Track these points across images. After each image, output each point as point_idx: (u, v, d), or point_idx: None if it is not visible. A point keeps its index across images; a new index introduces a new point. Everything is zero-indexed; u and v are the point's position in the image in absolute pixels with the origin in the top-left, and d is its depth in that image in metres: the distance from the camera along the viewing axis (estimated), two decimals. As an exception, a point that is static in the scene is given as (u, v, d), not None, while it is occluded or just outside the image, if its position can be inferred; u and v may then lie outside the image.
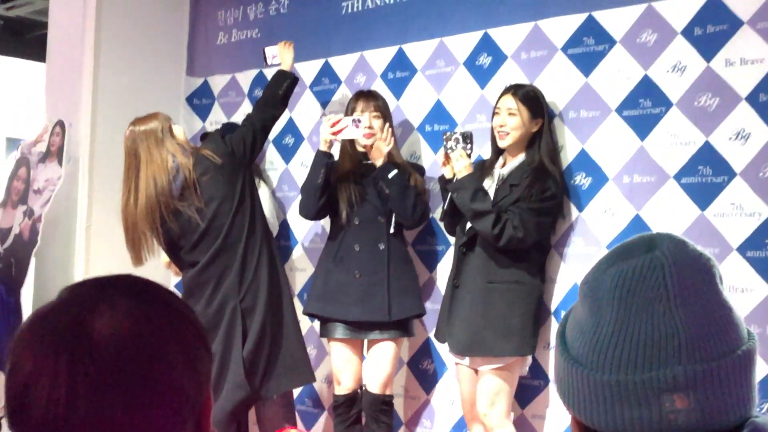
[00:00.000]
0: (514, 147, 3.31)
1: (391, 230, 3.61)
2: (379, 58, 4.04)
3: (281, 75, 3.91)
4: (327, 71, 4.26)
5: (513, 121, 3.26)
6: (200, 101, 4.85)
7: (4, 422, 0.98)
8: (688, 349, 0.96)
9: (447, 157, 3.35)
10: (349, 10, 4.18)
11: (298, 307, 3.90)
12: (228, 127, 4.21)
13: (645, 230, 3.10)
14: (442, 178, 3.44)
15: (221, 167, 3.58)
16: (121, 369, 0.93)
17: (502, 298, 3.20)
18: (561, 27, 3.43)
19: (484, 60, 3.67)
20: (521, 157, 3.32)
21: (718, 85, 3.00)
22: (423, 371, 3.85)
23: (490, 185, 3.33)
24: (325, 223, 4.02)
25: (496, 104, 3.34)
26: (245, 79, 4.62)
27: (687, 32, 3.09)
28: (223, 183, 3.58)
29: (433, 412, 3.81)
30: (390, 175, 3.52)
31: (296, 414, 3.82)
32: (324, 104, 4.27)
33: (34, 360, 0.93)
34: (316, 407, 4.21)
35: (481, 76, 3.67)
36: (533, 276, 3.25)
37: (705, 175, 3.03)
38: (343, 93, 4.13)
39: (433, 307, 3.66)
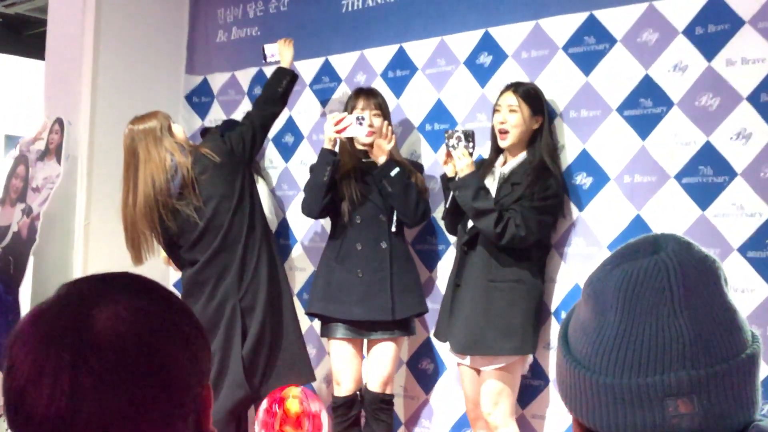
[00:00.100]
0: (514, 146, 3.31)
1: (393, 229, 3.61)
2: (380, 56, 4.04)
3: (281, 72, 3.90)
4: (327, 69, 4.25)
5: (514, 118, 3.26)
6: (200, 99, 4.84)
7: (3, 420, 0.97)
8: (692, 353, 0.95)
9: (448, 155, 3.34)
10: (350, 9, 4.17)
11: (298, 306, 3.89)
12: (227, 124, 4.20)
13: (646, 230, 3.11)
14: (443, 177, 3.43)
15: (220, 166, 3.57)
16: (125, 363, 0.93)
17: (503, 297, 3.19)
18: (562, 26, 3.42)
19: (485, 59, 3.66)
20: (522, 155, 3.31)
21: (720, 85, 3.00)
22: (422, 371, 3.84)
23: (490, 184, 3.32)
24: (325, 222, 4.01)
25: (497, 102, 3.33)
26: (245, 77, 4.61)
27: (688, 32, 3.09)
28: (222, 181, 3.57)
29: (433, 412, 3.81)
30: (392, 173, 3.52)
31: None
32: (324, 103, 4.26)
33: (35, 357, 0.93)
34: (315, 406, 4.20)
35: (482, 75, 3.66)
36: (534, 275, 3.25)
37: (706, 175, 3.03)
38: (343, 91, 4.12)
39: (433, 306, 3.65)
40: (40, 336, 0.94)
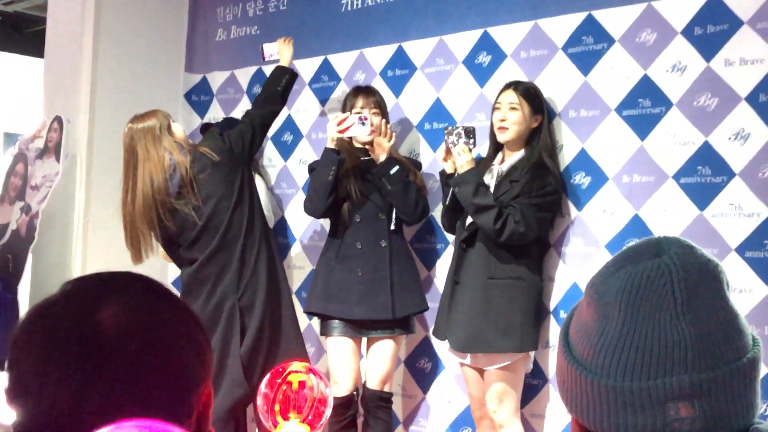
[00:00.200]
0: (513, 143, 3.31)
1: (392, 227, 3.61)
2: (379, 55, 4.04)
3: (280, 71, 3.91)
4: (326, 68, 4.26)
5: (514, 116, 3.27)
6: (199, 98, 4.85)
7: (6, 418, 0.97)
8: (694, 357, 0.95)
9: (448, 152, 3.34)
10: (349, 8, 4.17)
11: (297, 305, 3.90)
12: (226, 122, 4.20)
13: (644, 230, 3.12)
14: (442, 173, 3.43)
15: (219, 164, 3.57)
16: (131, 361, 0.93)
17: (502, 294, 3.20)
18: (560, 26, 3.42)
19: (484, 58, 3.67)
20: (520, 153, 3.32)
21: (718, 85, 3.00)
22: (420, 370, 3.85)
23: (489, 181, 3.33)
24: (324, 220, 4.01)
25: (497, 100, 3.34)
26: (244, 75, 4.62)
27: (687, 32, 3.09)
28: (221, 180, 3.58)
29: (431, 411, 3.81)
30: (392, 171, 3.52)
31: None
32: (323, 102, 4.27)
33: (39, 355, 0.93)
34: (314, 405, 4.20)
35: (481, 74, 3.67)
36: (533, 272, 3.25)
37: (704, 175, 3.03)
38: (343, 90, 4.12)
39: (432, 305, 3.66)
40: (45, 333, 0.94)
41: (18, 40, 7.80)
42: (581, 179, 3.33)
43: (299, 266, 4.30)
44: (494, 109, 3.34)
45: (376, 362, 3.60)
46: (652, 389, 0.95)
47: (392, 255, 3.59)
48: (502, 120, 3.28)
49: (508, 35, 3.58)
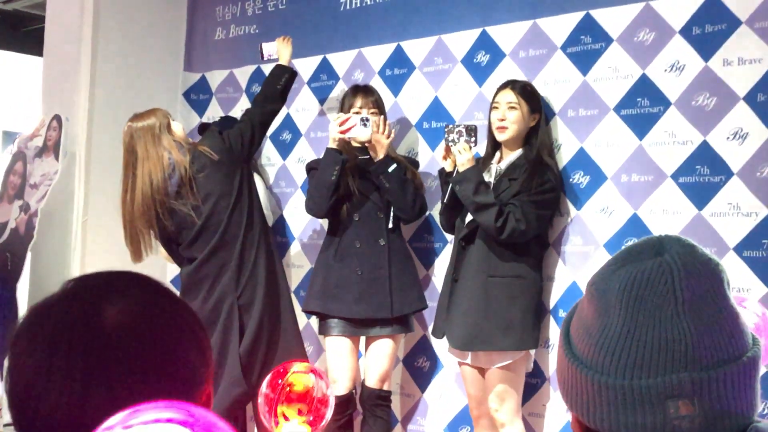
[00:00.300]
0: (511, 142, 3.31)
1: (390, 225, 3.61)
2: (378, 54, 4.04)
3: (280, 69, 3.90)
4: (325, 67, 4.26)
5: (513, 115, 3.27)
6: (197, 97, 4.84)
7: (5, 414, 0.97)
8: (694, 356, 0.96)
9: (447, 150, 3.34)
10: (348, 7, 4.17)
11: (295, 303, 3.90)
12: (224, 121, 4.20)
13: (642, 229, 3.12)
14: (442, 172, 3.43)
15: (218, 163, 3.58)
16: (136, 357, 0.93)
17: (502, 293, 3.20)
18: (559, 25, 3.42)
19: (482, 57, 3.67)
20: (518, 151, 3.32)
21: (716, 85, 3.01)
22: (418, 369, 3.85)
23: (487, 180, 3.33)
24: (322, 219, 4.01)
25: (494, 99, 3.34)
26: (243, 74, 4.62)
27: (685, 31, 3.09)
28: (221, 179, 3.58)
29: (429, 410, 3.81)
30: (390, 169, 3.53)
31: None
32: (322, 101, 4.27)
33: (43, 353, 0.93)
34: (312, 404, 4.21)
35: (479, 73, 3.67)
36: (533, 270, 3.25)
37: (702, 175, 3.04)
38: (341, 89, 4.12)
39: (430, 304, 3.66)
40: (49, 331, 0.94)
41: (17, 39, 7.80)
42: (580, 178, 3.34)
43: (298, 265, 4.30)
44: (492, 108, 3.34)
45: (375, 361, 3.61)
46: (653, 387, 0.96)
47: (391, 253, 3.60)
48: (501, 119, 3.28)
49: (506, 34, 3.59)
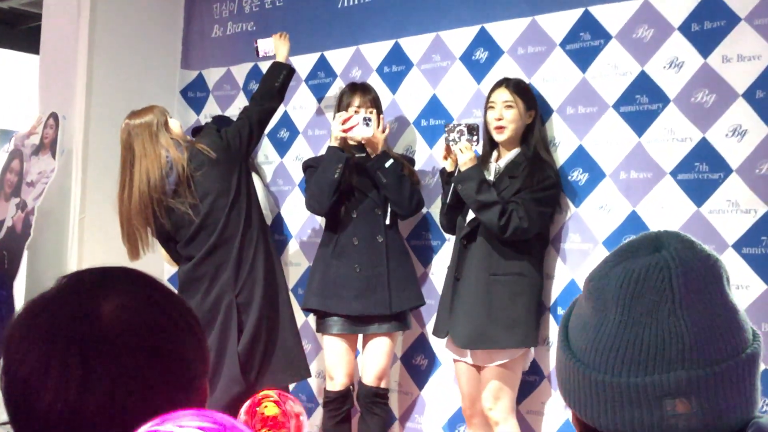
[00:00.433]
0: (509, 141, 3.31)
1: (387, 221, 3.61)
2: (375, 52, 4.03)
3: (277, 67, 3.89)
4: (323, 65, 4.25)
5: (510, 114, 3.26)
6: (195, 94, 4.83)
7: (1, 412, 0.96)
8: (691, 353, 0.95)
9: (448, 150, 3.33)
10: (345, 4, 4.16)
11: (294, 301, 3.89)
12: (220, 120, 4.19)
13: (641, 226, 3.12)
14: (443, 172, 3.42)
15: (216, 162, 3.57)
16: (134, 351, 0.93)
17: (505, 290, 3.20)
18: (558, 22, 3.42)
19: (481, 55, 3.66)
20: (516, 150, 3.32)
21: (715, 82, 3.00)
22: (416, 367, 3.85)
23: (488, 179, 3.32)
24: (320, 217, 4.00)
25: (489, 99, 3.33)
26: (240, 72, 4.61)
27: (684, 28, 3.09)
28: (219, 178, 3.57)
29: (427, 408, 3.81)
30: (387, 164, 3.53)
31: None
32: (319, 98, 4.26)
33: (40, 349, 0.92)
34: (311, 402, 4.20)
35: (478, 71, 3.66)
36: (535, 268, 3.25)
37: (701, 172, 3.03)
38: (339, 87, 4.11)
39: (428, 301, 3.65)
40: (45, 327, 0.93)
41: (13, 37, 7.79)
42: (579, 176, 3.33)
43: (295, 263, 4.30)
44: (488, 108, 3.33)
45: (372, 358, 3.60)
46: (648, 385, 0.95)
47: (389, 250, 3.59)
48: (499, 119, 3.28)
49: (505, 31, 3.58)
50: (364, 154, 3.63)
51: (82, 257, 4.47)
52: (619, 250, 1.03)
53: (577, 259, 3.30)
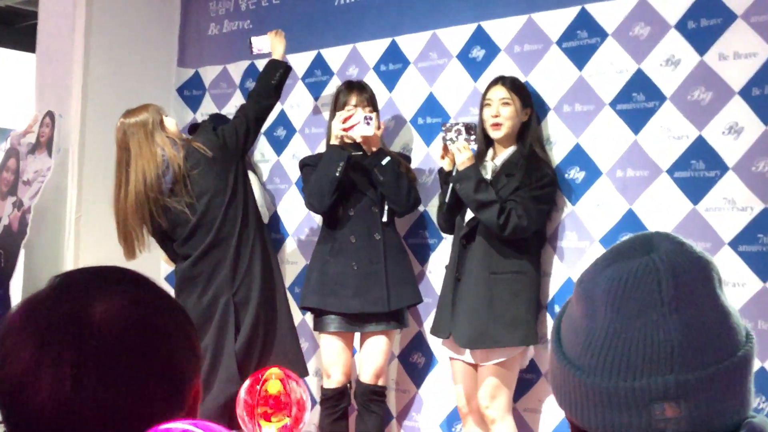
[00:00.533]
0: (505, 138, 3.31)
1: (384, 219, 3.61)
2: (372, 50, 4.02)
3: (274, 64, 3.88)
4: (319, 63, 4.24)
5: (507, 111, 3.26)
6: (191, 92, 4.82)
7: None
8: (680, 358, 0.94)
9: (445, 149, 3.33)
10: (342, 1, 4.16)
11: (291, 300, 3.89)
12: (215, 119, 4.18)
13: (638, 224, 3.12)
14: (441, 171, 3.42)
15: (213, 160, 3.56)
16: (126, 351, 0.94)
17: (506, 289, 3.20)
18: (554, 20, 3.42)
19: (478, 53, 3.66)
20: (512, 148, 3.32)
21: (712, 79, 3.00)
22: (413, 365, 3.84)
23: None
24: (316, 215, 4.00)
25: (485, 96, 3.33)
26: (236, 70, 4.60)
27: (680, 26, 3.09)
28: (215, 176, 3.56)
29: (424, 406, 3.81)
30: (384, 162, 3.52)
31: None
32: (316, 97, 4.25)
33: (33, 349, 0.92)
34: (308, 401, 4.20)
35: (474, 69, 3.66)
36: (534, 266, 3.26)
37: (698, 170, 3.03)
38: (336, 85, 4.10)
39: (425, 299, 3.65)
40: (37, 327, 0.93)
41: (9, 35, 7.77)
42: (575, 174, 3.33)
43: (292, 261, 4.29)
44: (484, 106, 3.33)
45: (370, 356, 3.60)
46: (637, 390, 0.94)
47: (386, 247, 3.59)
48: (495, 116, 3.28)
49: (502, 29, 3.58)
50: (360, 152, 3.63)
51: (78, 256, 4.46)
52: (610, 252, 1.02)
53: (574, 257, 3.30)
